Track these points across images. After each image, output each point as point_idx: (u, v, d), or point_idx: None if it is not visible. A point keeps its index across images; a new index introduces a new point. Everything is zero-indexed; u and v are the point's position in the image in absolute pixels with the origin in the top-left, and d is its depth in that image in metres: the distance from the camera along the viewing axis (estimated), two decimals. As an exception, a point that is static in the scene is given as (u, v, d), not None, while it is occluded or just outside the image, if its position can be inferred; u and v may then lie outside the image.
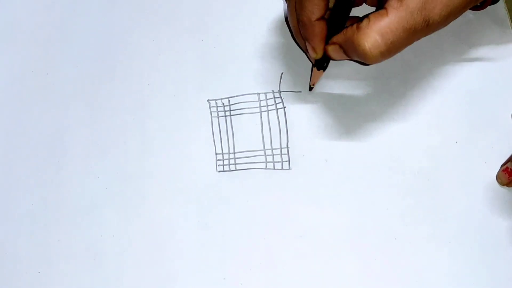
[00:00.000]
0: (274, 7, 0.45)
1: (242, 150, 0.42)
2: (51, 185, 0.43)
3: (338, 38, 0.36)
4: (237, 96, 0.44)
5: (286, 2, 0.39)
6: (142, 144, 0.43)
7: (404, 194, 0.41)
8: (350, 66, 0.43)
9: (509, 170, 0.40)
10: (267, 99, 0.43)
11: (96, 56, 0.45)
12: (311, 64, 0.43)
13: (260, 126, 0.43)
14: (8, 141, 0.44)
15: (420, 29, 0.34)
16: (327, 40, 0.37)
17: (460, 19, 0.43)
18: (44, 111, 0.44)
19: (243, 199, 0.41)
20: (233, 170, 0.42)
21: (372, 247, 0.40)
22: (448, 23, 0.35)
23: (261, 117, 0.43)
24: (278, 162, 0.42)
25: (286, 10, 0.43)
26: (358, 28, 0.34)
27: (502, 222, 0.40)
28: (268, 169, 0.42)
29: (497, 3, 0.44)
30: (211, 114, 0.43)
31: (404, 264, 0.40)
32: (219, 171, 0.42)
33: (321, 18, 0.36)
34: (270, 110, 0.43)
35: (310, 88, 0.43)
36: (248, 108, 0.43)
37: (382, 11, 0.34)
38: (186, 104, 0.44)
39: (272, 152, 0.42)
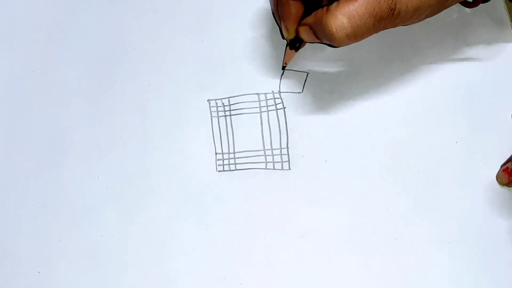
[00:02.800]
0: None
1: (242, 150, 0.43)
2: (51, 185, 0.43)
3: (308, 19, 0.37)
4: (237, 96, 0.44)
5: None
6: (142, 144, 0.43)
7: (404, 194, 0.41)
8: (350, 66, 0.43)
9: (509, 170, 0.40)
10: (267, 99, 0.43)
11: (96, 56, 0.45)
12: (309, 63, 0.43)
13: (260, 126, 0.43)
14: (8, 141, 0.44)
15: (387, 17, 0.34)
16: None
17: (459, 18, 0.43)
18: (44, 111, 0.44)
19: (243, 199, 0.41)
20: (233, 170, 0.42)
21: (372, 247, 0.40)
22: (422, 18, 0.36)
23: (261, 117, 0.43)
24: (278, 162, 0.42)
25: None
26: (327, 10, 0.35)
27: (502, 222, 0.40)
28: (268, 169, 0.42)
29: (497, 3, 0.44)
30: (211, 114, 0.43)
31: (404, 264, 0.40)
32: (219, 171, 0.42)
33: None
34: (270, 110, 0.43)
35: (283, 67, 0.44)
36: (248, 108, 0.43)
37: None
38: (186, 104, 0.44)
39: (272, 152, 0.42)
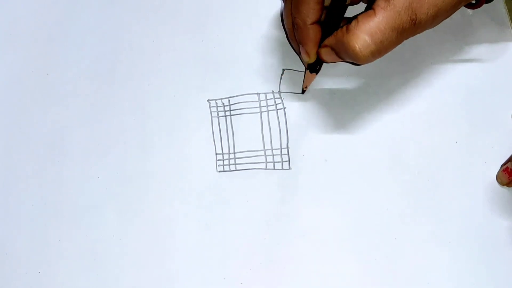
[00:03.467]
0: (274, 7, 0.45)
1: (242, 150, 0.43)
2: (51, 185, 0.43)
3: (329, 40, 0.37)
4: (237, 96, 0.44)
5: (283, 2, 0.39)
6: (142, 144, 0.43)
7: (404, 194, 0.41)
8: (350, 65, 0.43)
9: (509, 170, 0.40)
10: (267, 99, 0.43)
11: (96, 56, 0.45)
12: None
13: (260, 126, 0.43)
14: (8, 141, 0.44)
15: (408, 28, 0.34)
16: (320, 43, 0.38)
17: (460, 18, 0.43)
18: (44, 111, 0.44)
19: (243, 199, 0.41)
20: (233, 170, 0.42)
21: (372, 247, 0.40)
22: (438, 23, 0.36)
23: (261, 117, 0.43)
24: (278, 162, 0.42)
25: (282, 11, 0.43)
26: (347, 29, 0.35)
27: (502, 222, 0.40)
28: (268, 169, 0.42)
29: (497, 3, 0.44)
30: (211, 114, 0.43)
31: (404, 264, 0.40)
32: (219, 171, 0.42)
33: (316, 22, 0.37)
34: (270, 110, 0.43)
35: (303, 91, 0.43)
36: (248, 108, 0.43)
37: (370, 11, 0.34)
38: (186, 104, 0.44)
39: (272, 152, 0.42)
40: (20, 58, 0.46)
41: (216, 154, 0.43)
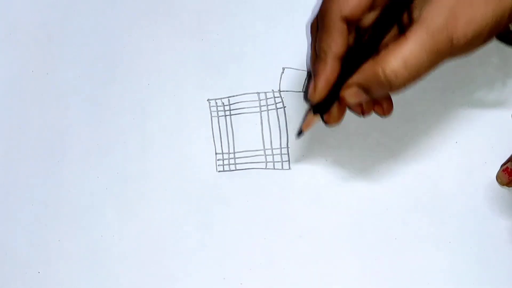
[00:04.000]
0: (273, 6, 0.45)
1: (242, 150, 0.42)
2: (51, 185, 0.43)
3: (354, 78, 0.34)
4: (237, 95, 0.44)
5: (311, 33, 0.37)
6: (142, 144, 0.43)
7: (404, 194, 0.41)
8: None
9: (509, 170, 0.40)
10: (267, 98, 0.43)
11: (96, 55, 0.45)
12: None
13: (260, 125, 0.43)
14: (8, 141, 0.44)
15: (445, 49, 0.32)
16: (339, 85, 0.35)
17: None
18: (44, 111, 0.44)
19: (243, 199, 0.41)
20: (233, 170, 0.42)
21: (372, 247, 0.40)
22: (476, 47, 0.33)
23: (261, 117, 0.43)
24: (278, 162, 0.42)
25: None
26: (377, 60, 0.32)
27: (502, 222, 0.40)
28: (268, 169, 0.42)
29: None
30: (211, 114, 0.43)
31: (404, 264, 0.40)
32: (219, 171, 0.42)
33: (338, 56, 0.35)
34: (270, 109, 0.43)
35: (299, 133, 0.38)
36: (248, 107, 0.43)
37: (401, 38, 0.32)
38: (186, 104, 0.44)
39: (272, 152, 0.42)
40: (20, 58, 0.45)
41: (216, 154, 0.43)
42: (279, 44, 0.45)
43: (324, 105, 0.36)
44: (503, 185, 0.40)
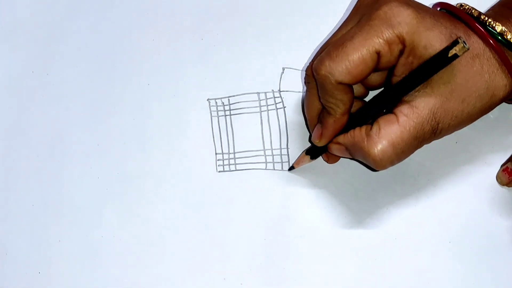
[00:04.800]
0: (273, 6, 0.45)
1: (242, 150, 0.42)
2: (51, 185, 0.43)
3: (345, 139, 0.36)
4: (237, 95, 0.44)
5: (307, 88, 0.38)
6: (142, 144, 0.43)
7: (404, 194, 0.41)
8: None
9: (509, 170, 0.40)
10: (267, 98, 0.43)
11: (96, 56, 0.45)
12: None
13: (260, 125, 0.43)
14: (8, 141, 0.44)
15: (429, 137, 0.34)
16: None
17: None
18: (44, 111, 0.44)
19: (243, 199, 0.41)
20: (233, 171, 0.42)
21: (372, 247, 0.40)
22: (460, 129, 0.35)
23: (261, 117, 0.43)
24: (278, 162, 0.42)
25: (304, 97, 0.41)
26: (367, 135, 0.34)
27: (502, 222, 0.40)
28: (268, 169, 0.42)
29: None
30: (211, 114, 0.43)
31: (404, 264, 0.40)
32: (219, 171, 0.42)
33: (346, 112, 0.35)
34: (270, 110, 0.43)
35: (290, 168, 0.42)
36: (248, 107, 0.43)
37: (391, 117, 0.33)
38: (186, 104, 0.44)
39: (272, 152, 0.42)
40: (20, 58, 0.45)
41: (216, 154, 0.43)
42: (279, 44, 0.44)
43: (320, 150, 0.39)
44: (503, 185, 0.40)
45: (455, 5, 0.36)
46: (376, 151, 0.33)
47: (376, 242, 0.40)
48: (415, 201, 0.41)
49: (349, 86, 0.34)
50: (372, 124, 0.34)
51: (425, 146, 0.41)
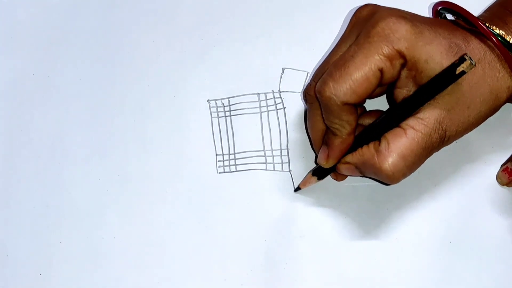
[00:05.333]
0: (273, 6, 0.45)
1: (242, 151, 0.43)
2: (52, 187, 0.43)
3: (353, 158, 0.36)
4: (237, 96, 0.44)
5: (309, 108, 0.38)
6: (142, 145, 0.43)
7: (404, 194, 0.41)
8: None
9: (509, 170, 0.40)
10: (267, 99, 0.43)
11: (96, 57, 0.45)
12: (309, 62, 0.43)
13: (260, 126, 0.43)
14: (9, 143, 0.44)
15: (437, 146, 0.34)
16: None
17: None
18: (44, 113, 0.44)
19: (243, 200, 0.42)
20: (233, 171, 0.42)
21: (372, 247, 0.40)
22: (465, 134, 0.36)
23: (261, 118, 0.43)
24: (278, 163, 0.42)
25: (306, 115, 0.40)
26: (377, 151, 0.34)
27: (502, 222, 0.40)
28: (268, 170, 0.42)
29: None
30: (211, 115, 0.43)
31: (404, 264, 0.40)
32: (219, 172, 0.42)
33: (352, 132, 0.35)
34: (270, 110, 0.43)
35: (297, 189, 0.41)
36: (248, 108, 0.43)
37: (399, 131, 0.33)
38: (186, 105, 0.44)
39: (272, 153, 0.42)
40: (21, 61, 0.45)
41: (216, 155, 0.43)
42: (279, 44, 0.44)
43: (327, 171, 0.38)
44: (503, 185, 0.40)
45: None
46: (387, 166, 0.33)
47: (377, 242, 0.40)
48: (416, 201, 0.41)
49: (353, 106, 0.34)
50: (379, 140, 0.34)
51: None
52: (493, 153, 0.41)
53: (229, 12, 0.46)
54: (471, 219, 0.40)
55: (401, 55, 0.33)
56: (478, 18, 0.35)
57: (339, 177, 0.40)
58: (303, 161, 0.42)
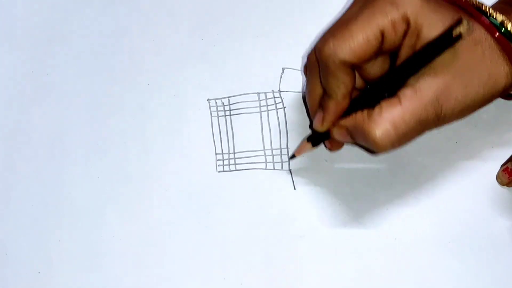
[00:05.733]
0: (274, 6, 0.45)
1: (242, 150, 0.43)
2: (51, 185, 0.43)
3: (346, 122, 0.35)
4: (237, 95, 0.44)
5: (308, 75, 0.38)
6: (142, 144, 0.43)
7: (404, 194, 0.41)
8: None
9: (509, 170, 0.40)
10: (267, 98, 0.43)
11: (96, 56, 0.45)
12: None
13: (260, 126, 0.43)
14: (9, 141, 0.44)
15: (432, 121, 0.33)
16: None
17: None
18: (44, 112, 0.44)
19: (243, 199, 0.41)
20: (233, 171, 0.42)
21: (372, 247, 0.40)
22: (462, 118, 0.34)
23: (261, 117, 0.43)
24: (278, 162, 0.42)
25: (305, 85, 0.40)
26: (369, 115, 0.33)
27: (502, 222, 0.40)
28: (268, 169, 0.42)
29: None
30: (211, 114, 0.43)
31: (404, 264, 0.40)
32: (219, 171, 0.42)
33: (347, 95, 0.35)
34: (270, 110, 0.43)
35: (293, 157, 0.41)
36: (248, 107, 0.43)
37: (394, 99, 0.33)
38: (186, 104, 0.44)
39: (272, 152, 0.42)
40: (20, 59, 0.45)
41: (216, 154, 0.43)
42: (279, 44, 0.44)
43: (322, 137, 0.38)
44: (503, 185, 0.40)
45: None
46: (377, 132, 0.32)
47: (376, 242, 0.40)
48: (415, 201, 0.41)
49: (351, 68, 0.34)
50: (374, 107, 0.34)
51: (425, 145, 0.41)
52: (493, 153, 0.41)
53: (229, 12, 0.46)
54: (471, 219, 0.40)
55: (404, 20, 0.32)
56: (479, 6, 0.35)
57: (333, 145, 0.39)
58: (303, 160, 0.42)
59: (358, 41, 0.32)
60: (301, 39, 0.44)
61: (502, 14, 0.34)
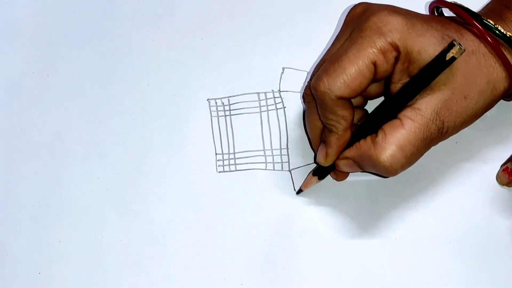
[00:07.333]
0: (274, 6, 0.45)
1: (242, 150, 0.43)
2: (51, 186, 0.43)
3: (351, 153, 0.35)
4: (237, 95, 0.44)
5: (306, 106, 0.38)
6: (142, 144, 0.43)
7: (404, 194, 0.41)
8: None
9: (509, 170, 0.40)
10: (267, 98, 0.43)
11: (96, 56, 0.45)
12: (309, 61, 0.43)
13: (260, 126, 0.43)
14: (9, 142, 0.44)
15: (436, 137, 0.34)
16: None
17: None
18: (44, 112, 0.44)
19: (243, 199, 0.41)
20: (233, 171, 0.42)
21: (372, 247, 0.40)
22: (465, 127, 0.35)
23: (261, 117, 0.43)
24: (278, 163, 0.42)
25: (305, 114, 0.40)
26: (374, 142, 0.33)
27: (502, 222, 0.40)
28: (268, 169, 0.42)
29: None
30: (210, 114, 0.43)
31: (404, 264, 0.40)
32: (219, 172, 0.42)
33: (348, 128, 0.35)
34: (270, 110, 0.43)
35: (299, 192, 0.41)
36: (248, 108, 0.43)
37: (396, 122, 0.33)
38: (186, 104, 0.44)
39: (272, 152, 0.42)
40: (20, 60, 0.45)
41: (216, 154, 0.43)
42: (279, 44, 0.44)
43: (327, 170, 0.38)
44: (503, 185, 0.40)
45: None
46: (385, 157, 0.33)
47: (376, 243, 0.40)
48: (415, 201, 0.41)
49: (348, 101, 0.34)
50: (376, 133, 0.34)
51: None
52: (493, 153, 0.41)
53: (229, 12, 0.46)
54: (471, 219, 0.40)
55: (394, 47, 0.33)
56: (471, 12, 0.35)
57: (340, 176, 0.40)
58: (303, 160, 0.42)
59: (351, 75, 0.33)
60: (301, 39, 0.44)
61: (493, 21, 0.34)
